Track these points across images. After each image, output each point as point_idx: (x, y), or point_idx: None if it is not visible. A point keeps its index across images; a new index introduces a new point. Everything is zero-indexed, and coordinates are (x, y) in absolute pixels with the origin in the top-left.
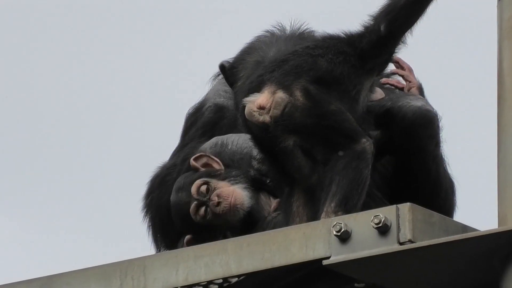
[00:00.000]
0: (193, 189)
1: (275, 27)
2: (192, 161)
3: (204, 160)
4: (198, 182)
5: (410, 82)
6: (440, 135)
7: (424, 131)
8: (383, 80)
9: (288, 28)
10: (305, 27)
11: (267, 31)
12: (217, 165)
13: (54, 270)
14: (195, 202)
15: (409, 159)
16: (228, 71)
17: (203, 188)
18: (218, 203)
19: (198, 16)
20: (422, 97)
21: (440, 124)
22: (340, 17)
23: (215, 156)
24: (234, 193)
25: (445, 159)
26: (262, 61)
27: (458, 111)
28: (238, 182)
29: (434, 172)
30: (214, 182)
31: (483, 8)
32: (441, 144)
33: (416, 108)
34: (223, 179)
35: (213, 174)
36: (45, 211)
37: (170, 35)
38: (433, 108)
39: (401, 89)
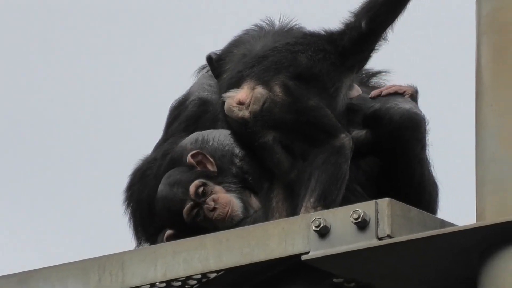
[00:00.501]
0: (192, 189)
1: (265, 22)
2: (189, 158)
3: (199, 157)
4: (196, 182)
5: (405, 91)
6: (427, 138)
7: (411, 133)
8: (384, 92)
9: (277, 23)
10: (294, 23)
11: (256, 25)
12: (211, 166)
13: (33, 266)
14: (191, 203)
15: (394, 160)
16: (215, 63)
17: (201, 189)
18: (214, 209)
19: (185, 9)
20: (410, 100)
21: (427, 128)
22: (337, 15)
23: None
24: (232, 203)
25: (430, 162)
26: (247, 55)
27: (435, 107)
28: (234, 190)
29: (418, 175)
30: (210, 185)
31: (462, 4)
32: (427, 147)
33: (404, 111)
34: (219, 183)
35: (209, 175)
36: (25, 208)
37: (153, 28)
38: (421, 112)
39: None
